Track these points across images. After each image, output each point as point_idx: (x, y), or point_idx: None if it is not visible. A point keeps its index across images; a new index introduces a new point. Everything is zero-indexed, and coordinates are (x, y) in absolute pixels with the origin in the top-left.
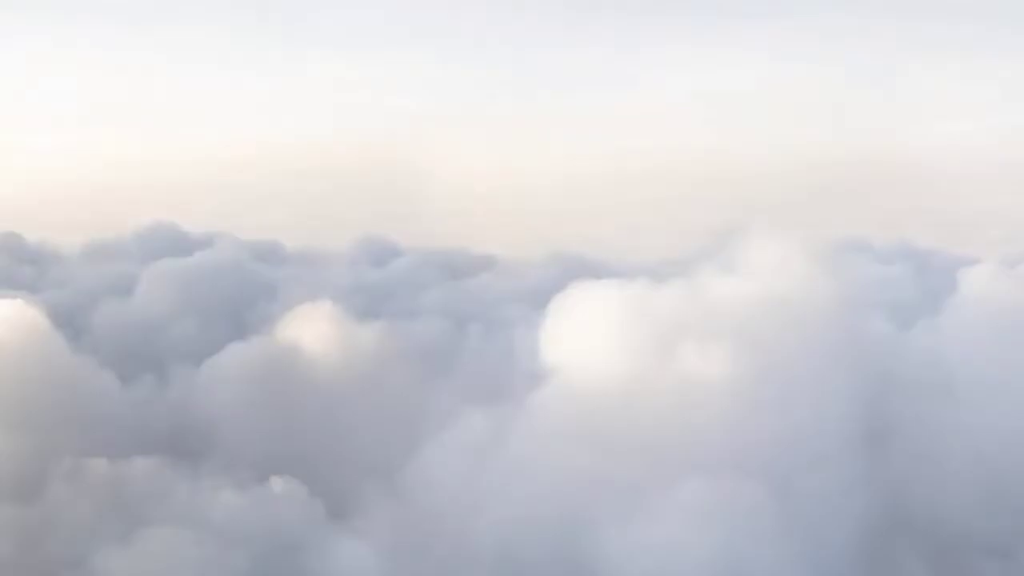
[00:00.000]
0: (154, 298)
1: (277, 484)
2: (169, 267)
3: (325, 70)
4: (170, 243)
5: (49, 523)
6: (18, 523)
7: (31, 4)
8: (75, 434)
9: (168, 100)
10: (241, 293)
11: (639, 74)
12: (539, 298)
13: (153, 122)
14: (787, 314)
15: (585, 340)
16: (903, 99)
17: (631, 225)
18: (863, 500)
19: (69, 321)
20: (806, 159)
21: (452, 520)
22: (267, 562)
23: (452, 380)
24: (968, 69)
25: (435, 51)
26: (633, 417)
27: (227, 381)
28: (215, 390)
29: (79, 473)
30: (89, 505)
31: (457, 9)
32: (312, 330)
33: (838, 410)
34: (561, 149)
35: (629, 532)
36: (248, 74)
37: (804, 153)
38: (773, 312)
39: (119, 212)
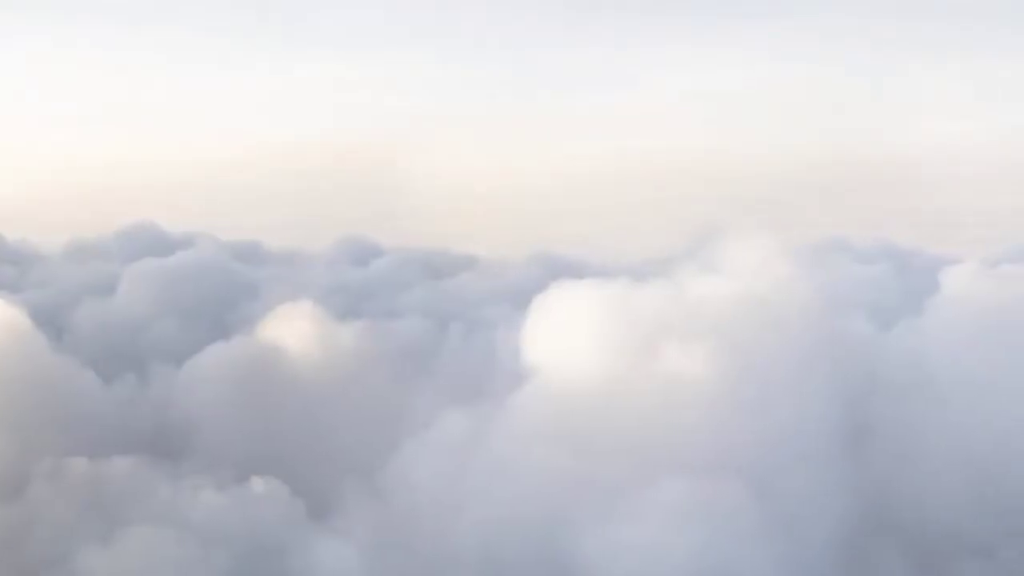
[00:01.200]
0: (135, 298)
1: (258, 484)
2: (150, 267)
3: (325, 70)
4: (151, 243)
5: (30, 522)
6: None
7: (31, 4)
8: (56, 433)
9: (167, 100)
10: (222, 293)
11: (639, 74)
12: (520, 298)
13: (152, 122)
14: (768, 314)
15: (566, 340)
16: (903, 99)
17: (630, 225)
18: (844, 500)
19: (50, 321)
20: (806, 159)
21: (433, 520)
22: (248, 562)
23: (433, 380)
24: (968, 69)
25: (435, 51)
26: (614, 417)
27: (208, 381)
28: (196, 390)
29: (60, 472)
30: (70, 504)
31: (457, 9)
32: (293, 330)
33: (819, 410)
34: (560, 149)
35: (610, 532)
36: (248, 74)
37: (804, 153)
38: (754, 312)
39: (109, 212)
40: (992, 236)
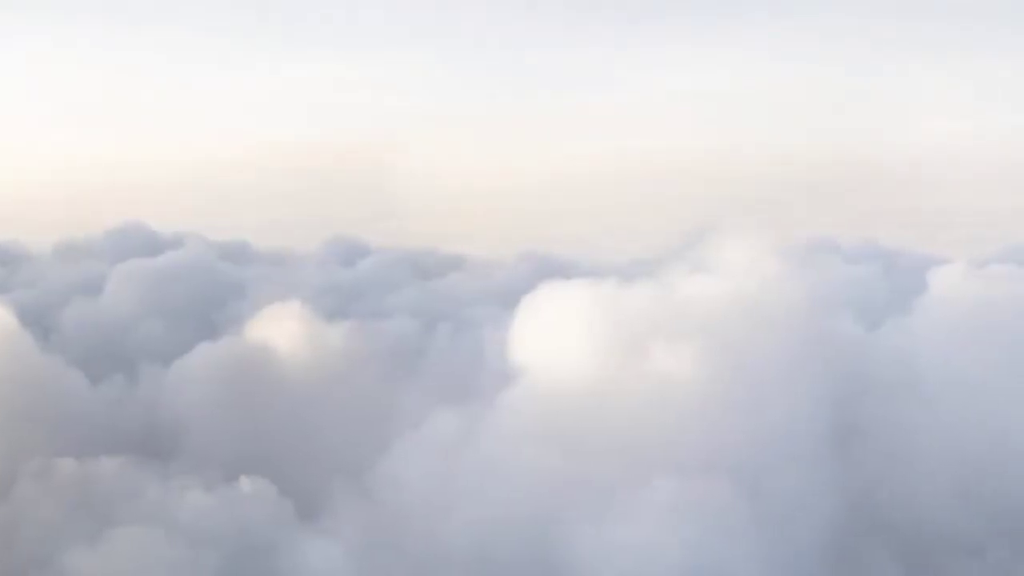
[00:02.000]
0: (123, 298)
1: (246, 484)
2: (138, 267)
3: (325, 70)
4: (139, 243)
5: (17, 523)
6: None
7: (31, 4)
8: (44, 434)
9: (167, 100)
10: (210, 293)
11: (639, 74)
12: (509, 298)
13: (152, 122)
14: (757, 314)
15: (555, 340)
16: (903, 99)
17: (629, 225)
18: (834, 499)
19: (38, 321)
20: (805, 159)
21: (422, 520)
22: (236, 562)
23: (421, 380)
24: (968, 69)
25: (435, 51)
26: (603, 417)
27: (196, 381)
28: (184, 390)
29: (47, 473)
30: (57, 505)
31: (457, 9)
32: (281, 330)
33: (808, 410)
34: (560, 149)
35: (601, 532)
36: (248, 74)
37: (803, 153)
38: (743, 312)
39: (102, 212)
40: (991, 236)
